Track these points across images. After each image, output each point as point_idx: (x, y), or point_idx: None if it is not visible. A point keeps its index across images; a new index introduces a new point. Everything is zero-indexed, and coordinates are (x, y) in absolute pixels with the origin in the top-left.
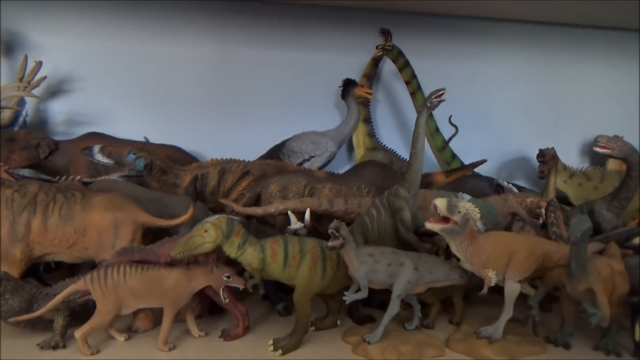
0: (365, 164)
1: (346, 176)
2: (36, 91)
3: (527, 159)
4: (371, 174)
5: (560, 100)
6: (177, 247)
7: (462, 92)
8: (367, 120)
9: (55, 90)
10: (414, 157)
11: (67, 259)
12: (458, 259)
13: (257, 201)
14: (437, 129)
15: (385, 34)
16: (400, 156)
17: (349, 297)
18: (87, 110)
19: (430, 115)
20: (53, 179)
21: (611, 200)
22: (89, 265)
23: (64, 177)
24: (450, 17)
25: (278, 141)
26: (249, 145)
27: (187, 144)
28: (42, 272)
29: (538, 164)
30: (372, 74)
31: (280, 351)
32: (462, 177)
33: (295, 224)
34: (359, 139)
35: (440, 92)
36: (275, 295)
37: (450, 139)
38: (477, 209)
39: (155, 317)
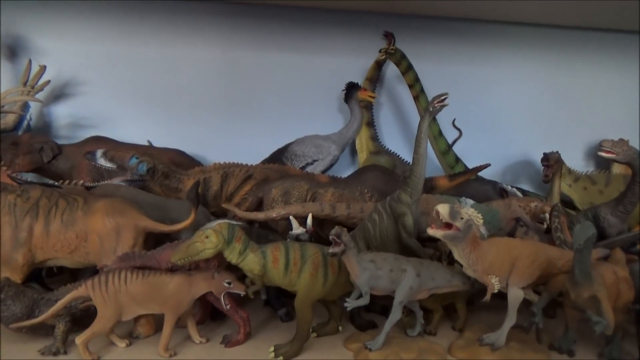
0: (367, 168)
1: (349, 181)
2: (40, 95)
3: (532, 162)
4: (374, 178)
5: (565, 104)
6: (178, 253)
7: (466, 96)
8: (370, 124)
9: (59, 94)
10: (416, 162)
11: (69, 264)
12: (461, 265)
13: (259, 205)
14: (440, 133)
15: (389, 37)
16: (403, 160)
17: (351, 303)
18: (91, 114)
19: (434, 119)
20: (56, 183)
21: (616, 205)
22: (91, 270)
23: (67, 181)
24: (453, 20)
25: (281, 145)
26: (252, 148)
27: (190, 148)
28: (45, 277)
29: (542, 167)
30: (375, 77)
31: (281, 358)
32: (466, 181)
33: (297, 229)
34: (362, 143)
35: (443, 97)
36: (277, 301)
37: (454, 142)
38: (479, 215)
39: (157, 323)
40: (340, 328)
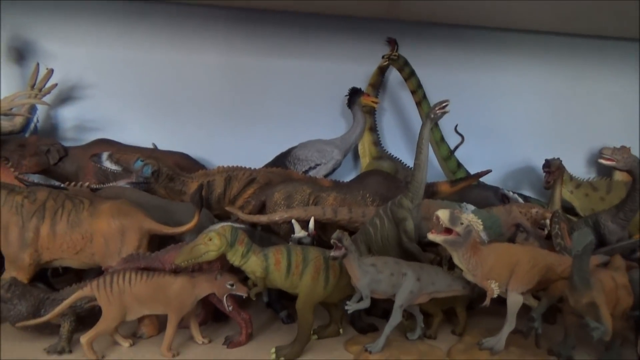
0: (370, 173)
1: (351, 185)
2: (47, 98)
3: (533, 169)
4: (376, 183)
5: (567, 111)
6: (182, 255)
7: (468, 102)
8: (373, 129)
9: (66, 97)
10: (417, 168)
11: (74, 264)
12: (461, 270)
13: (262, 209)
14: (442, 139)
15: (392, 43)
16: (405, 165)
17: (351, 306)
18: (97, 117)
19: (436, 125)
20: (62, 185)
21: (616, 212)
22: (96, 271)
23: (72, 183)
24: (456, 27)
25: (284, 149)
26: (255, 152)
27: (195, 152)
28: (50, 277)
29: (544, 174)
30: (378, 82)
31: (282, 359)
32: (467, 187)
33: (299, 232)
34: (365, 148)
35: (444, 104)
36: (279, 303)
37: (456, 148)
38: (479, 220)
39: (160, 323)
40: (341, 330)
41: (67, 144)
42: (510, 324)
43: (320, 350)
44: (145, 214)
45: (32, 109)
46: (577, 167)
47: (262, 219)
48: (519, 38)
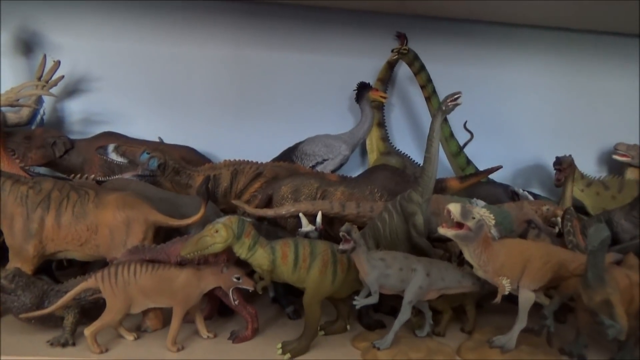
0: (378, 168)
1: (359, 180)
2: (54, 90)
3: (544, 166)
4: (384, 178)
5: (578, 107)
6: (188, 246)
7: (478, 98)
8: (381, 124)
9: (73, 90)
10: (428, 161)
11: (79, 256)
12: (471, 266)
13: (269, 203)
14: (451, 135)
15: (401, 37)
16: (414, 161)
17: (360, 301)
18: (103, 109)
19: (445, 121)
20: (68, 177)
21: (630, 210)
22: (101, 263)
23: (78, 176)
24: (466, 21)
25: (291, 143)
26: (262, 147)
27: (201, 145)
28: (55, 270)
29: (555, 171)
30: (387, 77)
31: (288, 354)
32: (477, 184)
33: (306, 226)
34: (373, 143)
35: (456, 96)
36: (285, 299)
37: (465, 144)
38: (491, 215)
39: (165, 317)
40: (348, 327)
41: (73, 136)
42: (521, 322)
43: (327, 346)
44: (151, 206)
45: (39, 101)
46: (588, 165)
47: (269, 212)
48: (529, 34)
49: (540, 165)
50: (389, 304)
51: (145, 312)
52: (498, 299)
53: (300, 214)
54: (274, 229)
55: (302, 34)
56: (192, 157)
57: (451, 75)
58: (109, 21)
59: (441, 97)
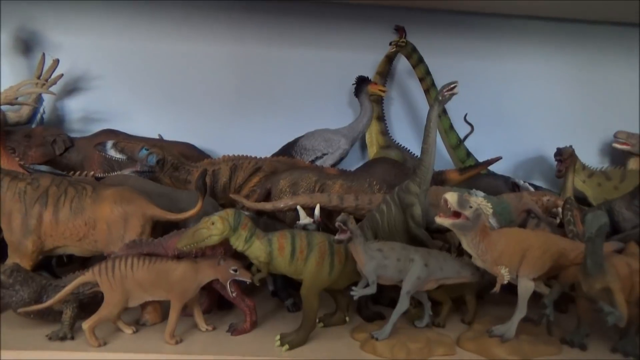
0: (376, 161)
1: (357, 173)
2: (53, 88)
3: (545, 158)
4: (383, 170)
5: (579, 98)
6: (184, 239)
7: (478, 90)
8: (381, 118)
9: (72, 88)
10: (425, 152)
11: (77, 251)
12: (470, 256)
13: (267, 197)
14: (451, 127)
15: (400, 31)
16: (413, 154)
17: (357, 292)
18: (103, 107)
19: (445, 113)
20: (67, 174)
21: (631, 200)
22: (100, 259)
23: (77, 173)
24: (465, 14)
25: (291, 138)
26: (262, 142)
27: (202, 142)
28: (55, 266)
29: (556, 163)
30: (386, 71)
31: (287, 346)
32: (477, 176)
33: (304, 219)
34: (372, 137)
35: (452, 85)
36: (284, 291)
37: (466, 137)
38: (489, 204)
39: (164, 310)
40: (347, 319)
41: (73, 135)
42: (521, 311)
43: (326, 337)
44: (148, 200)
45: (39, 100)
46: (590, 156)
47: (267, 206)
48: (528, 25)
49: (541, 157)
50: (389, 296)
51: (143, 306)
52: (497, 288)
53: (298, 207)
54: (272, 222)
55: (300, 29)
56: (191, 154)
57: (451, 67)
58: (107, 19)
59: None
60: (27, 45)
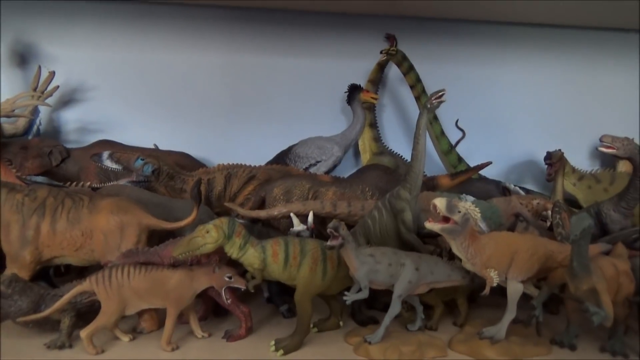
0: (369, 168)
1: (350, 179)
2: (49, 100)
3: (536, 162)
4: (375, 177)
5: (570, 103)
6: (179, 247)
7: (468, 96)
8: (373, 125)
9: (68, 100)
10: (415, 158)
11: (75, 261)
12: (460, 260)
13: (262, 205)
14: (442, 133)
15: (391, 39)
16: (406, 160)
17: (350, 297)
18: (99, 118)
19: (436, 119)
20: (63, 185)
21: (618, 201)
22: (97, 268)
23: (74, 183)
24: (455, 21)
25: (285, 146)
26: (256, 151)
27: (197, 151)
28: (53, 276)
29: (546, 167)
30: (378, 79)
31: (281, 351)
32: (469, 181)
33: (298, 226)
34: (365, 144)
35: (440, 93)
36: (279, 298)
37: (457, 143)
38: (477, 209)
39: (160, 318)
40: (341, 323)
41: (69, 146)
42: (510, 313)
43: (320, 342)
44: (144, 209)
45: (35, 111)
46: (580, 160)
47: (261, 214)
48: (518, 31)
49: (532, 161)
50: (383, 301)
51: (140, 314)
52: (487, 290)
53: (292, 214)
54: (266, 229)
55: (292, 38)
56: (186, 163)
57: (442, 75)
58: (102, 30)
59: None
60: (23, 58)
